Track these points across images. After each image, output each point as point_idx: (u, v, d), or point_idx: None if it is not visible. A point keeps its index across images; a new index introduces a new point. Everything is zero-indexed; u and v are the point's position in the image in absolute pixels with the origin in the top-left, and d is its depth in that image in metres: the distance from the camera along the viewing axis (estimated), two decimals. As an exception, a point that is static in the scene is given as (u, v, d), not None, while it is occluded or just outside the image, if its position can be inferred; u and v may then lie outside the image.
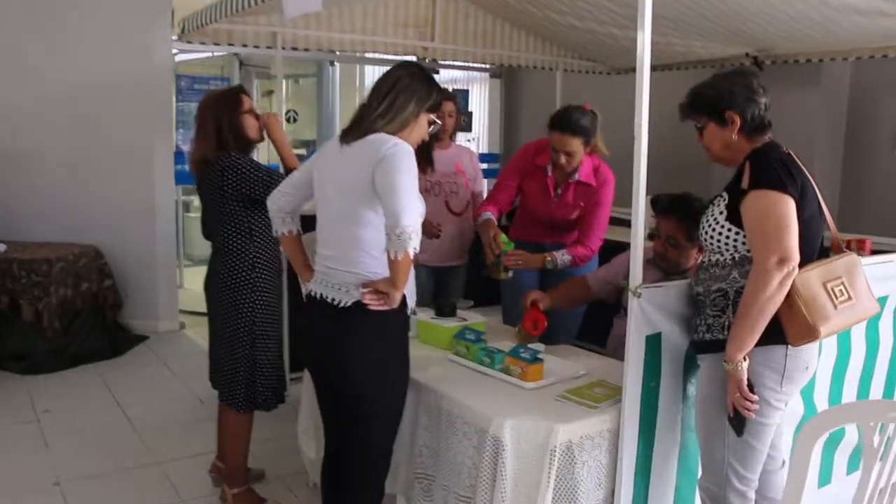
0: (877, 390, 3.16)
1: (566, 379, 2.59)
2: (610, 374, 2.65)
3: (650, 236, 4.69)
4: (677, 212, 2.86)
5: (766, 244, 2.05)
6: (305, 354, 2.47)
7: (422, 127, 2.34)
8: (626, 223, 5.04)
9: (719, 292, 2.20)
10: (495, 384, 2.55)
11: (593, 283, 3.19)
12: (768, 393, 2.14)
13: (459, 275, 3.93)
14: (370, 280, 2.23)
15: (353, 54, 6.12)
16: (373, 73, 7.67)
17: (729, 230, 2.17)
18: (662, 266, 2.94)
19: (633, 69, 5.47)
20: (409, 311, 2.36)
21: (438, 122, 2.40)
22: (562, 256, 3.35)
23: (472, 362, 2.70)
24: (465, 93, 7.31)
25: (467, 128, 7.24)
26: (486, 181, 7.56)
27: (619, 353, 3.05)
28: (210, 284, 3.08)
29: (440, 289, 3.79)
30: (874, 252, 3.38)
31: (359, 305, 2.23)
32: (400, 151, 2.16)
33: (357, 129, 2.27)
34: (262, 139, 3.07)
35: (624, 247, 4.38)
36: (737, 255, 2.18)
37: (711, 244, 2.23)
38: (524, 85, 7.43)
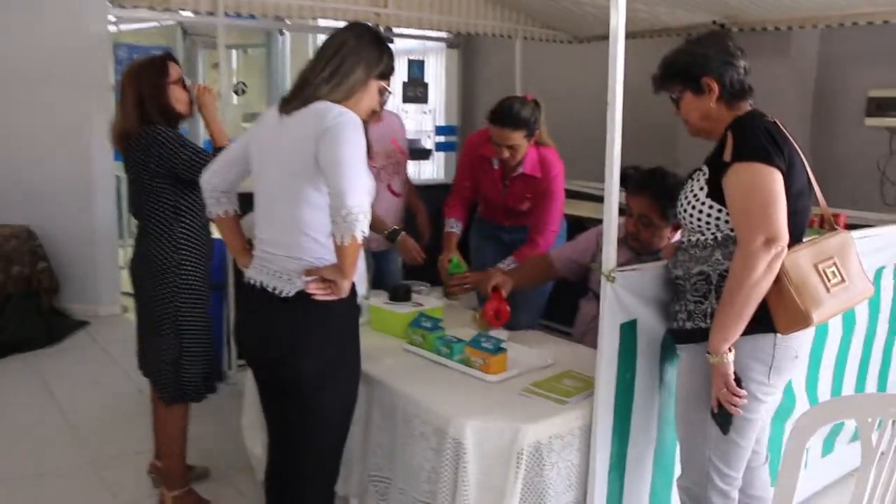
0: (851, 372, 3.04)
1: (532, 370, 2.39)
2: (579, 362, 2.46)
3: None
4: (650, 188, 2.65)
5: (751, 222, 1.86)
6: (244, 348, 2.23)
7: (371, 95, 2.10)
8: (591, 197, 4.89)
9: (700, 276, 2.01)
10: (455, 377, 2.34)
11: (558, 262, 3.00)
12: (755, 386, 1.96)
13: (397, 256, 3.69)
14: (315, 267, 1.99)
15: (302, 21, 5.81)
16: (324, 43, 7.33)
17: (710, 207, 1.98)
18: (634, 246, 2.75)
19: (597, 38, 5.25)
20: (359, 300, 2.13)
21: (390, 90, 2.16)
22: (508, 268, 3.17)
23: (430, 352, 2.48)
24: (421, 63, 7.06)
25: (423, 99, 7.00)
26: (442, 154, 7.46)
27: (587, 339, 2.88)
28: (133, 267, 2.84)
29: (379, 273, 3.54)
30: (848, 227, 3.24)
31: (303, 295, 1.98)
32: (346, 122, 1.93)
33: (298, 96, 2.02)
34: (191, 113, 2.82)
35: (588, 223, 4.25)
36: (719, 235, 1.99)
37: (691, 223, 2.03)
38: (482, 55, 7.20)
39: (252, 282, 2.12)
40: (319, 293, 1.96)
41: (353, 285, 2.02)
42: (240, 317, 2.21)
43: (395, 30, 6.39)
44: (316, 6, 4.56)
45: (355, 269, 1.93)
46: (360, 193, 1.85)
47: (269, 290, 2.04)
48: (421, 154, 7.30)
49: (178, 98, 2.74)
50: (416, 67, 7.01)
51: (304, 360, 2.03)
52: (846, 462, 3.15)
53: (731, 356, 1.90)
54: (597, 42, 5.39)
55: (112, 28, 6.11)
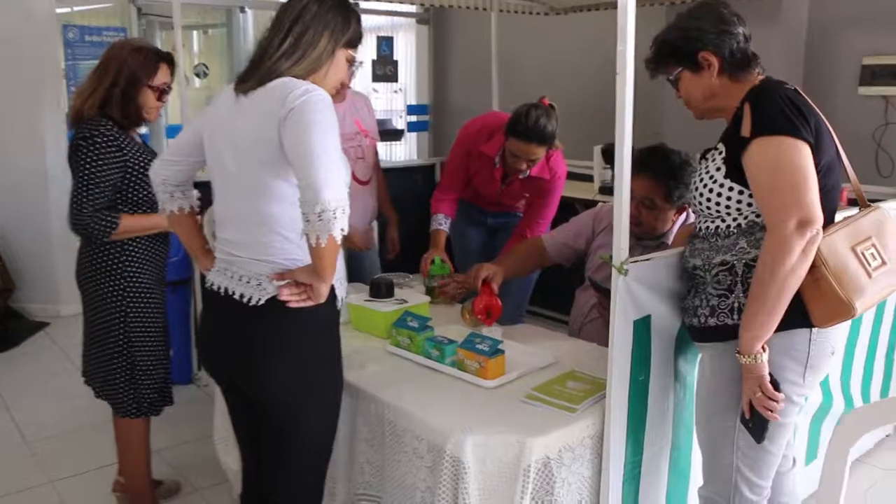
0: (859, 360, 2.88)
1: (532, 371, 2.17)
2: (581, 360, 2.25)
3: (602, 189, 4.33)
4: (653, 168, 2.42)
5: (781, 204, 1.64)
6: (209, 363, 1.97)
7: (339, 67, 1.83)
8: (580, 177, 4.66)
9: (723, 266, 1.79)
10: (447, 383, 2.11)
11: (551, 247, 2.78)
12: (789, 387, 1.75)
13: (372, 250, 3.43)
14: (287, 269, 1.74)
15: (264, -2, 5.50)
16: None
17: (731, 189, 1.76)
18: (635, 231, 2.52)
19: (574, 9, 4.97)
20: (339, 304, 1.88)
21: (360, 60, 1.90)
22: None
23: (418, 355, 2.25)
24: (390, 40, 6.77)
25: (393, 78, 6.72)
26: (414, 135, 7.21)
27: (585, 332, 2.67)
28: (77, 270, 2.58)
29: (356, 267, 3.25)
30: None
31: (275, 303, 1.73)
32: (313, 100, 1.66)
33: (255, 73, 1.75)
34: (153, 119, 2.56)
35: (573, 203, 4.04)
36: (743, 221, 1.77)
37: (709, 209, 1.81)
38: (454, 30, 6.92)
39: (215, 287, 1.86)
40: (294, 300, 1.70)
41: (332, 288, 1.78)
42: (203, 326, 1.94)
43: (363, 5, 6.12)
44: (278, -21, 4.25)
45: (334, 270, 1.68)
46: (337, 185, 1.58)
47: (236, 297, 1.79)
48: (392, 135, 7.04)
49: (149, 105, 2.48)
50: (385, 45, 6.72)
51: (278, 377, 1.78)
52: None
53: (765, 356, 1.69)
54: (573, 14, 5.15)
55: (64, 10, 5.76)
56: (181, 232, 2.03)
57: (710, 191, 1.79)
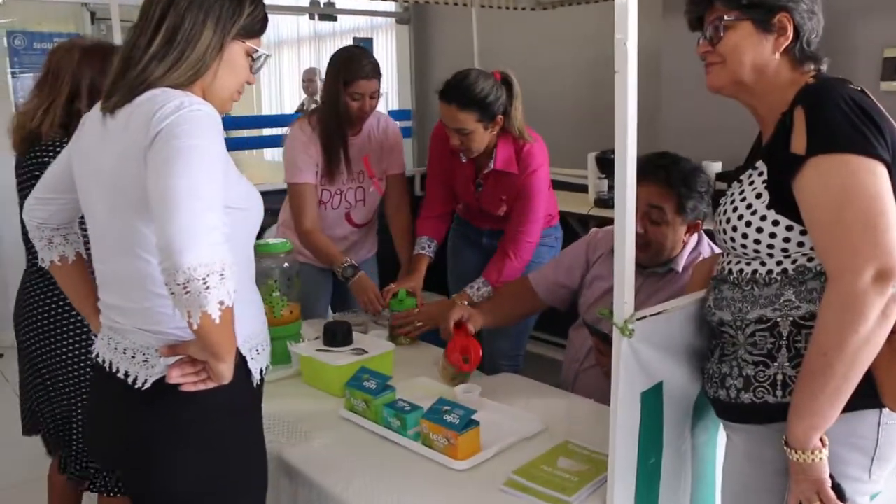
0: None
1: (514, 443, 1.74)
2: (577, 425, 1.83)
3: (598, 202, 3.91)
4: (662, 171, 1.99)
5: (851, 247, 1.22)
6: (96, 453, 1.53)
7: (235, 65, 1.39)
8: (573, 187, 4.23)
9: (762, 324, 1.36)
10: (409, 464, 1.68)
11: (541, 289, 2.36)
12: (851, 486, 1.32)
13: (369, 269, 2.98)
14: (180, 341, 1.30)
15: None
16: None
17: (775, 224, 1.33)
18: (639, 257, 2.09)
19: (563, 2, 4.50)
20: (256, 380, 1.45)
21: (264, 52, 1.44)
22: (478, 291, 2.56)
23: (375, 423, 1.83)
24: (369, 42, 6.38)
25: (374, 81, 6.34)
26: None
27: (581, 382, 2.24)
28: (15, 306, 2.25)
29: (344, 295, 2.86)
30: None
31: (166, 384, 1.29)
32: (184, 119, 1.22)
33: (121, 84, 1.31)
34: None
35: (570, 219, 3.62)
36: (790, 266, 1.34)
37: (745, 247, 1.38)
38: (436, 29, 6.52)
39: (101, 361, 1.42)
40: (189, 381, 1.26)
41: (245, 361, 1.35)
42: (88, 406, 1.51)
43: (339, 4, 5.73)
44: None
45: (231, 345, 1.23)
46: (204, 243, 1.13)
47: (120, 376, 1.35)
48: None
49: None
50: (364, 47, 6.33)
51: (175, 482, 1.35)
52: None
53: (825, 452, 1.26)
54: (560, 8, 4.75)
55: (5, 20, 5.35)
56: (65, 285, 1.60)
57: (748, 224, 1.36)
